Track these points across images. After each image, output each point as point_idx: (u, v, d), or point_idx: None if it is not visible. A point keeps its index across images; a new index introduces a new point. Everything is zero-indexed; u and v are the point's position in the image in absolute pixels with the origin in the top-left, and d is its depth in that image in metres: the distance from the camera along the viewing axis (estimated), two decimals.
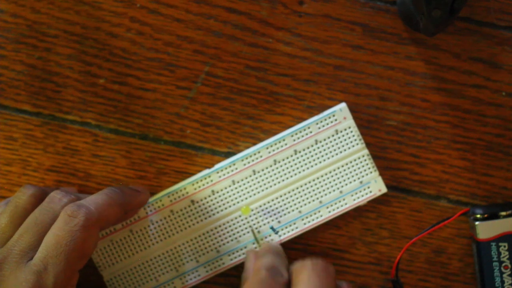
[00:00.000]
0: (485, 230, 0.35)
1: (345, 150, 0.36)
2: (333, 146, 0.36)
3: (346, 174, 0.36)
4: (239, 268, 0.37)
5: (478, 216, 0.35)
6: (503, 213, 0.35)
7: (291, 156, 0.36)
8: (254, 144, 0.37)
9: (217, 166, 0.36)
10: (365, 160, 0.36)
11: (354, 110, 0.37)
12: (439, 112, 0.37)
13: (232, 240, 0.36)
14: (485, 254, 0.35)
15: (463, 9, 0.34)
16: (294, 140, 0.36)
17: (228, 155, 0.37)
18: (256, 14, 0.37)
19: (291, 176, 0.36)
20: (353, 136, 0.36)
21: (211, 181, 0.36)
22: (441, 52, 0.37)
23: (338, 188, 0.36)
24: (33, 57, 0.37)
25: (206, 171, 0.36)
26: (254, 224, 0.36)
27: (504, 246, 0.35)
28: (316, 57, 0.37)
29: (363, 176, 0.36)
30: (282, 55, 0.37)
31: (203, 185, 0.36)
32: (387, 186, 0.37)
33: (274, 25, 0.37)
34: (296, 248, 0.37)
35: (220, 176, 0.36)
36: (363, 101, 0.37)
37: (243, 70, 0.37)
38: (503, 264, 0.35)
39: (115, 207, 0.32)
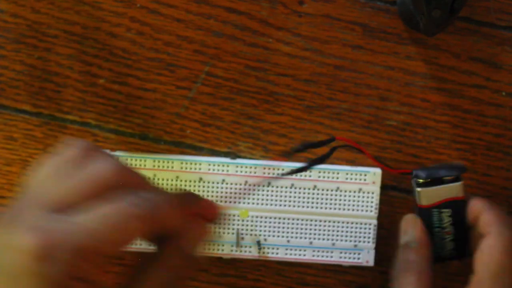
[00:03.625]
0: (428, 196, 0.33)
1: (358, 210, 0.36)
2: (350, 200, 0.36)
3: (346, 232, 0.36)
4: (239, 268, 0.37)
5: (421, 180, 0.33)
6: (447, 178, 0.33)
7: (309, 188, 0.36)
8: (254, 144, 0.37)
9: (239, 160, 0.36)
10: (370, 228, 0.36)
11: (354, 110, 0.37)
12: (439, 112, 0.37)
13: (215, 232, 0.36)
14: (427, 220, 0.33)
15: (463, 9, 0.34)
16: (319, 177, 0.36)
17: (228, 155, 0.37)
18: (256, 14, 0.37)
19: (298, 206, 0.36)
20: (372, 202, 0.36)
21: (227, 171, 0.36)
22: (441, 52, 0.37)
23: (332, 239, 0.36)
24: (33, 57, 0.37)
25: (226, 160, 0.36)
26: (242, 230, 0.36)
27: (447, 212, 0.33)
28: (316, 57, 0.37)
29: (360, 242, 0.36)
30: (282, 55, 0.37)
31: (217, 170, 0.36)
32: (387, 186, 0.37)
33: (274, 25, 0.37)
34: None
35: (236, 171, 0.36)
36: (363, 101, 0.37)
37: (243, 70, 0.37)
38: (445, 230, 0.34)
39: (174, 209, 0.27)
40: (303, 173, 0.36)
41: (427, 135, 0.37)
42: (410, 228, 0.34)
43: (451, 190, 0.33)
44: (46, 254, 0.22)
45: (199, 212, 0.28)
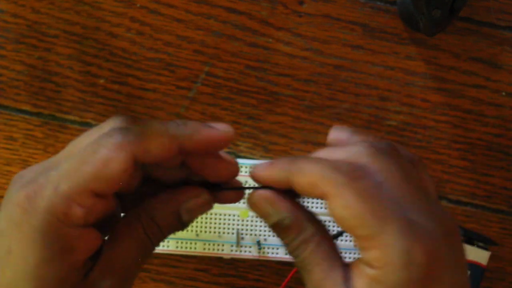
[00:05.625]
0: None
1: None
2: None
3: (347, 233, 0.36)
4: (239, 268, 0.37)
5: None
6: (479, 243, 0.35)
7: None
8: (254, 144, 0.37)
9: (239, 160, 0.36)
10: None
11: (354, 110, 0.37)
12: (439, 112, 0.37)
13: (215, 232, 0.36)
14: None
15: (463, 9, 0.34)
16: None
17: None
18: (256, 14, 0.37)
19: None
20: None
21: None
22: (441, 52, 0.37)
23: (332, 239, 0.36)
24: (33, 57, 0.37)
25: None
26: (242, 230, 0.36)
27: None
28: (316, 57, 0.37)
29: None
30: (282, 55, 0.37)
31: None
32: None
33: (274, 25, 0.37)
34: None
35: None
36: (363, 101, 0.37)
37: (243, 70, 0.37)
38: None
39: (163, 137, 0.25)
40: None
41: (427, 135, 0.37)
42: (272, 207, 0.26)
43: (479, 254, 0.35)
44: (30, 204, 0.24)
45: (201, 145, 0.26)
